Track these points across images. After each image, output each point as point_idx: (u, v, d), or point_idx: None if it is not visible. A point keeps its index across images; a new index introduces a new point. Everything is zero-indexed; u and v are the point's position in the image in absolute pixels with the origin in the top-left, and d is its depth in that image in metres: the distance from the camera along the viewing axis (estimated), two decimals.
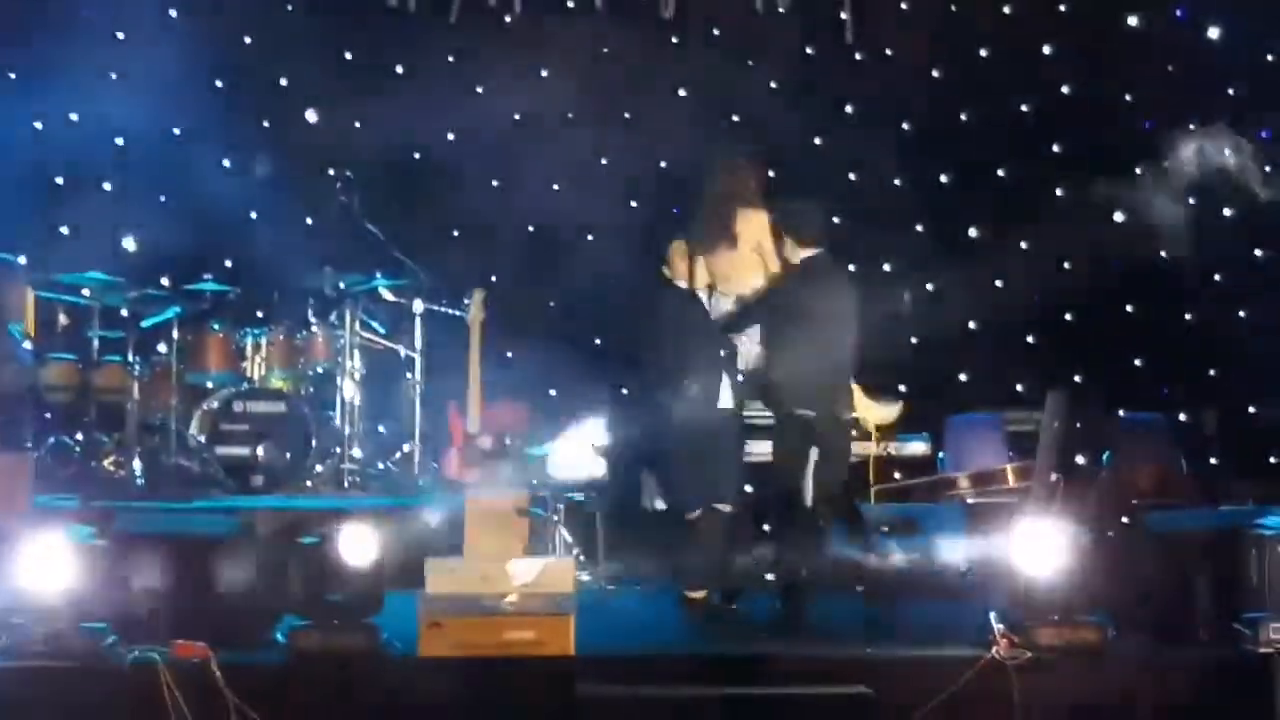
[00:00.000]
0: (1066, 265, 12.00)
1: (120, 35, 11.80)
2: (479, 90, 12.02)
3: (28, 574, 6.95)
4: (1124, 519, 8.46)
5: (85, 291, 10.35)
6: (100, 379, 10.30)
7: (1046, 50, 12.10)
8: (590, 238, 12.01)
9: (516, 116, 12.00)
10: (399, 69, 12.06)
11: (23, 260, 10.64)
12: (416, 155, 11.87)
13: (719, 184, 9.02)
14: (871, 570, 8.48)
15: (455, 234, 12.02)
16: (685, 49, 12.08)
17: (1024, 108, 12.19)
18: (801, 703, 7.01)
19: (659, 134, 11.95)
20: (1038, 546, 7.35)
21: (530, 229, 12.05)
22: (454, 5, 11.79)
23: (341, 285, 10.85)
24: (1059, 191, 12.01)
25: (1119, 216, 11.62)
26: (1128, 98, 11.93)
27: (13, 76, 11.49)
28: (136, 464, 10.19)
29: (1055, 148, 12.13)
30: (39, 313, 10.35)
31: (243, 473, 10.33)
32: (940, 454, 10.58)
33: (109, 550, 7.20)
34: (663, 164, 11.99)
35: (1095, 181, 11.26)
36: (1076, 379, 11.46)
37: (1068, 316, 12.04)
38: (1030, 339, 12.02)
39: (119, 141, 11.19)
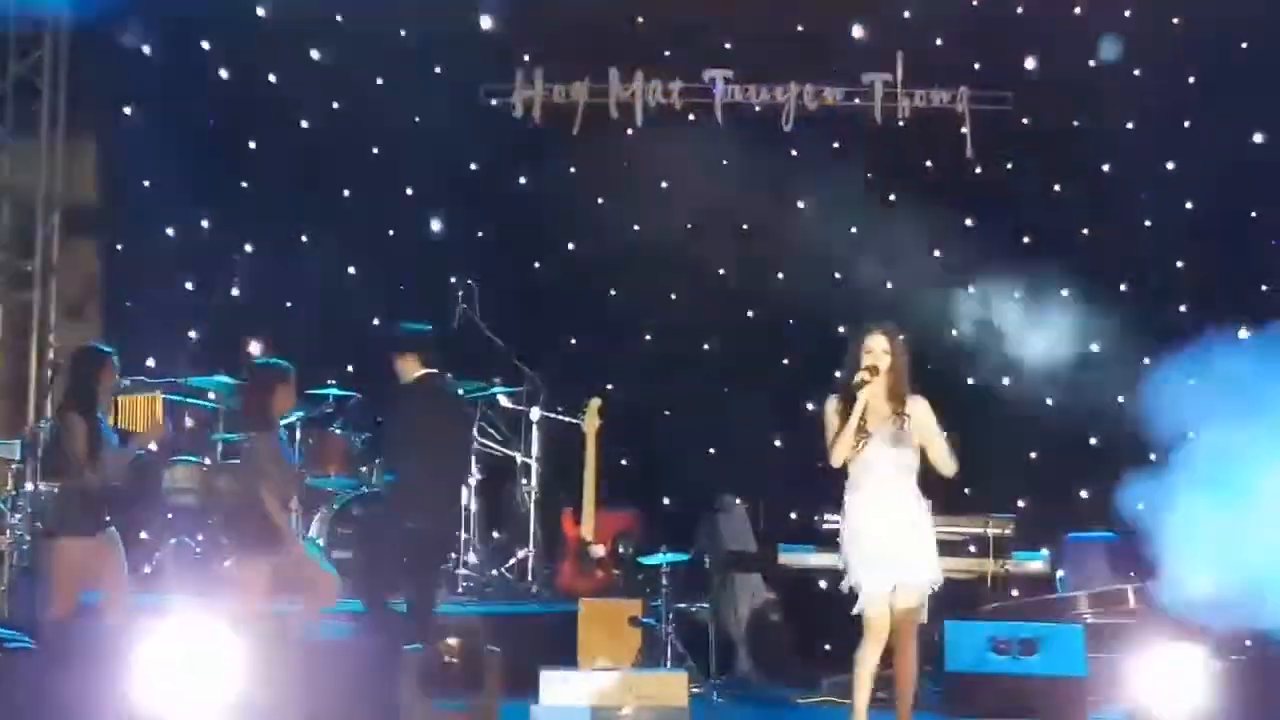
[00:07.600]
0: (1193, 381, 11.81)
1: (253, 145, 12.07)
2: (599, 201, 12.11)
3: None
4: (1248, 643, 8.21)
5: (211, 395, 10.51)
6: (223, 482, 10.35)
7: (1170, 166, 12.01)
8: (706, 347, 12.06)
9: (635, 227, 12.12)
10: (522, 180, 12.21)
11: (151, 363, 10.89)
12: (537, 265, 11.95)
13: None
14: None
15: (573, 342, 12.12)
16: (804, 161, 12.12)
17: (1147, 222, 12.06)
18: None
19: (778, 245, 12.02)
20: (1164, 674, 7.13)
21: (647, 338, 12.13)
22: (577, 117, 12.00)
23: (460, 392, 10.93)
24: (1182, 308, 11.86)
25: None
26: None
27: (146, 185, 11.78)
28: None
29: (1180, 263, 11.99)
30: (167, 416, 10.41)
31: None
32: (1060, 572, 10.42)
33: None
34: (780, 276, 12.04)
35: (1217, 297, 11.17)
36: None
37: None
38: (1153, 456, 11.79)
39: (248, 248, 11.37)
